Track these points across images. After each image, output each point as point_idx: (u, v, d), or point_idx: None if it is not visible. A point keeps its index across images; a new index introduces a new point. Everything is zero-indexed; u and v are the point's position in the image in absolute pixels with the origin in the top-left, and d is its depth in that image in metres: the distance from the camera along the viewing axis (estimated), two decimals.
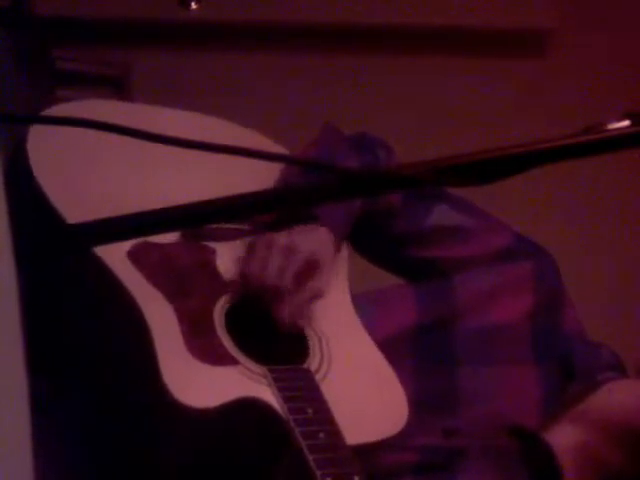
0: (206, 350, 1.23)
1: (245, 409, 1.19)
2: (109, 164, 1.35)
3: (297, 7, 2.66)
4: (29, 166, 1.28)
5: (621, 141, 0.95)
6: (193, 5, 2.47)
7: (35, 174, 1.28)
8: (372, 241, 1.58)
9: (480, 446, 1.38)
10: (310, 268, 1.37)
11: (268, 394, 1.21)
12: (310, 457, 1.14)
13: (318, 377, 1.28)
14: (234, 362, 1.24)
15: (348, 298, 1.45)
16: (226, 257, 1.37)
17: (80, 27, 2.61)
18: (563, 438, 1.40)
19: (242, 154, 0.95)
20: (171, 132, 1.45)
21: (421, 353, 1.45)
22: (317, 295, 1.37)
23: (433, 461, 1.37)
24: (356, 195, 1.26)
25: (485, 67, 2.70)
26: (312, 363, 1.30)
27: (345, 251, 1.49)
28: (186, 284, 1.31)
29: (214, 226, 1.39)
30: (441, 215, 1.55)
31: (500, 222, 1.60)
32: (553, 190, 2.58)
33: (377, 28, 2.70)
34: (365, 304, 1.45)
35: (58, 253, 1.14)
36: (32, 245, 1.13)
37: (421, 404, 1.33)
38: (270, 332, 1.33)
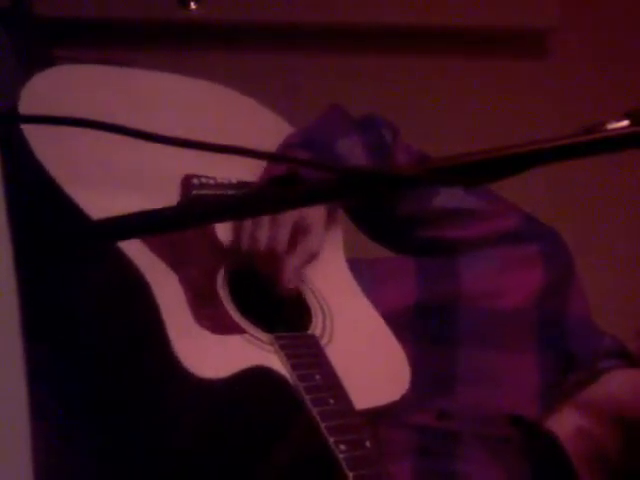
0: (213, 319, 1.22)
1: (255, 378, 1.19)
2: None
3: (297, 7, 2.66)
4: (27, 142, 1.26)
5: (621, 141, 0.95)
6: (193, 5, 2.48)
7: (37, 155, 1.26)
8: (377, 221, 1.57)
9: (478, 434, 1.38)
10: (300, 231, 1.35)
11: (276, 362, 1.20)
12: (322, 424, 1.14)
13: (323, 342, 1.27)
14: (241, 330, 1.23)
15: (345, 264, 1.44)
16: (224, 224, 1.36)
17: (80, 27, 2.62)
18: (564, 425, 1.40)
19: (242, 154, 0.95)
20: (161, 97, 1.46)
21: (420, 331, 1.43)
22: (310, 256, 1.36)
23: (428, 443, 1.36)
24: (356, 195, 1.26)
25: (485, 67, 2.70)
26: (316, 328, 1.29)
27: (339, 233, 1.48)
28: (188, 253, 1.29)
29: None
30: (449, 196, 1.53)
31: (509, 203, 1.58)
32: (551, 186, 2.58)
33: (376, 28, 2.70)
34: (363, 274, 1.44)
35: (77, 247, 1.14)
36: (41, 233, 1.13)
37: (418, 382, 1.31)
38: (272, 298, 1.32)
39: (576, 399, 1.43)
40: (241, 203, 1.03)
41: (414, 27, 2.70)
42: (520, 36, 2.74)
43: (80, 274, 1.28)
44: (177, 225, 1.02)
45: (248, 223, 1.33)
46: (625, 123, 0.94)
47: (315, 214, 1.39)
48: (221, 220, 1.27)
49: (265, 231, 1.31)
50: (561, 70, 2.70)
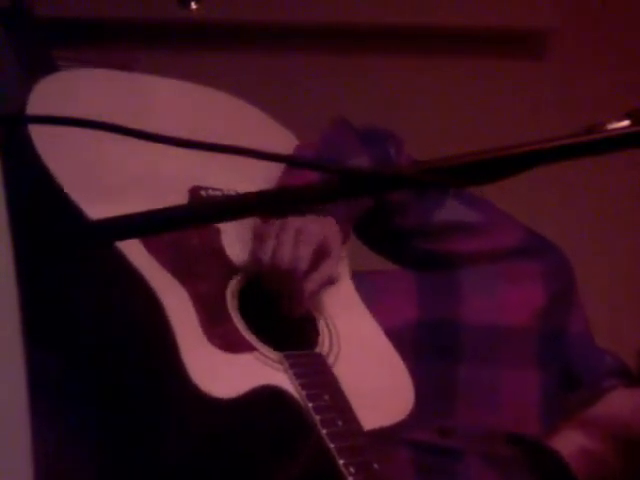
0: (223, 337, 1.22)
1: (265, 397, 1.19)
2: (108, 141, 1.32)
3: (297, 7, 2.66)
4: (34, 146, 1.26)
5: (621, 141, 0.95)
6: (193, 5, 2.48)
7: (42, 155, 1.26)
8: (380, 233, 1.57)
9: (480, 452, 1.38)
10: (322, 254, 1.34)
11: (286, 381, 1.20)
12: (332, 445, 1.13)
13: (329, 361, 1.27)
14: (251, 349, 1.23)
15: (349, 280, 1.44)
16: (232, 237, 1.35)
17: (80, 27, 2.61)
18: (567, 444, 1.40)
19: (244, 154, 0.95)
20: (166, 103, 1.46)
21: (421, 348, 1.43)
22: (329, 281, 1.35)
23: (432, 461, 1.36)
24: (358, 195, 1.26)
25: (485, 67, 2.70)
26: (323, 347, 1.29)
27: (344, 252, 1.48)
28: (197, 267, 1.29)
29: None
30: (451, 210, 1.53)
31: (512, 219, 1.58)
32: (554, 188, 2.58)
33: (376, 28, 2.70)
34: (363, 288, 1.44)
35: (78, 248, 1.14)
36: (46, 237, 1.13)
37: (419, 399, 1.31)
38: (279, 315, 1.31)
39: (578, 419, 1.43)
40: (240, 204, 1.03)
41: (414, 27, 2.70)
42: (520, 36, 2.74)
43: (87, 283, 1.27)
44: (176, 225, 1.02)
45: (268, 239, 1.32)
46: (625, 123, 0.94)
47: (335, 240, 1.38)
48: (221, 220, 1.26)
49: (289, 249, 1.30)
50: (561, 70, 2.70)
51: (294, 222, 1.32)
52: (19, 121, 1.23)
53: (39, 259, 1.15)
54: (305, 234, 1.31)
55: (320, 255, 1.34)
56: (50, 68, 2.26)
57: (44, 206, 1.25)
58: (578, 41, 2.70)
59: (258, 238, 1.33)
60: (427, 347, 1.44)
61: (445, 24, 2.70)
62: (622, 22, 2.71)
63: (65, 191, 1.23)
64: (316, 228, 1.33)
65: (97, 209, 1.20)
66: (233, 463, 1.21)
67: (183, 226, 1.05)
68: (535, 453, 1.40)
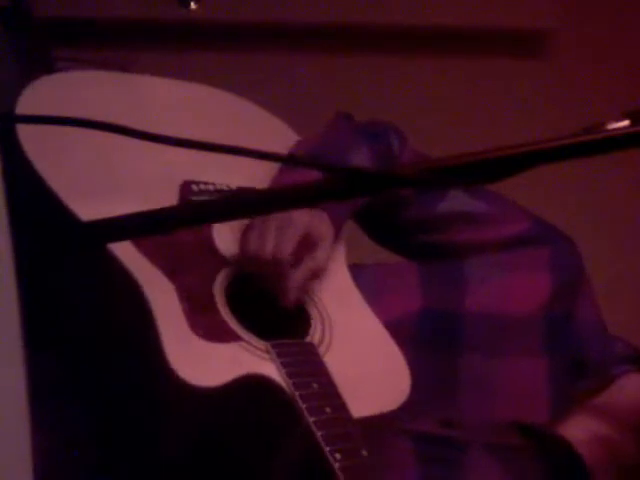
0: (208, 327, 1.22)
1: (250, 386, 1.19)
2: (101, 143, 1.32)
3: (297, 7, 2.66)
4: (22, 148, 1.26)
5: (621, 141, 0.95)
6: (193, 5, 2.48)
7: (30, 157, 1.26)
8: (383, 226, 1.57)
9: (484, 443, 1.38)
10: (308, 243, 1.34)
11: (272, 370, 1.20)
12: (318, 433, 1.14)
13: (321, 350, 1.27)
14: (237, 338, 1.23)
15: (346, 271, 1.44)
16: (223, 232, 1.35)
17: (80, 27, 2.61)
18: (577, 431, 1.40)
19: (242, 154, 0.95)
20: (164, 103, 1.46)
21: (425, 338, 1.43)
22: (316, 272, 1.35)
23: (433, 452, 1.36)
24: (357, 194, 1.26)
25: (485, 67, 2.70)
26: (314, 336, 1.29)
27: (342, 244, 1.48)
28: (185, 261, 1.30)
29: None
30: (455, 201, 1.53)
31: (518, 207, 1.57)
32: (560, 189, 2.58)
33: (376, 28, 2.70)
34: (365, 280, 1.44)
35: (70, 250, 1.14)
36: (38, 238, 1.13)
37: (420, 388, 1.31)
38: (270, 306, 1.31)
39: (589, 405, 1.43)
40: (237, 204, 1.03)
41: (414, 27, 2.70)
42: (520, 36, 2.74)
43: (75, 279, 1.28)
44: (167, 227, 1.02)
45: (254, 229, 1.32)
46: (625, 123, 0.94)
47: (323, 230, 1.38)
48: (216, 221, 1.27)
49: (272, 239, 1.30)
50: (561, 70, 2.70)
51: (277, 214, 1.32)
52: (16, 120, 1.23)
53: (31, 260, 1.15)
54: (289, 222, 1.31)
55: (307, 245, 1.33)
56: (49, 68, 2.26)
57: (35, 208, 1.25)
58: (578, 41, 2.70)
59: (244, 234, 1.33)
60: (431, 338, 1.44)
61: (445, 24, 2.70)
62: (622, 22, 2.71)
63: (55, 192, 1.23)
64: (301, 217, 1.33)
65: (87, 209, 1.20)
66: (220, 453, 1.21)
67: (176, 228, 1.05)
68: (543, 441, 1.39)
